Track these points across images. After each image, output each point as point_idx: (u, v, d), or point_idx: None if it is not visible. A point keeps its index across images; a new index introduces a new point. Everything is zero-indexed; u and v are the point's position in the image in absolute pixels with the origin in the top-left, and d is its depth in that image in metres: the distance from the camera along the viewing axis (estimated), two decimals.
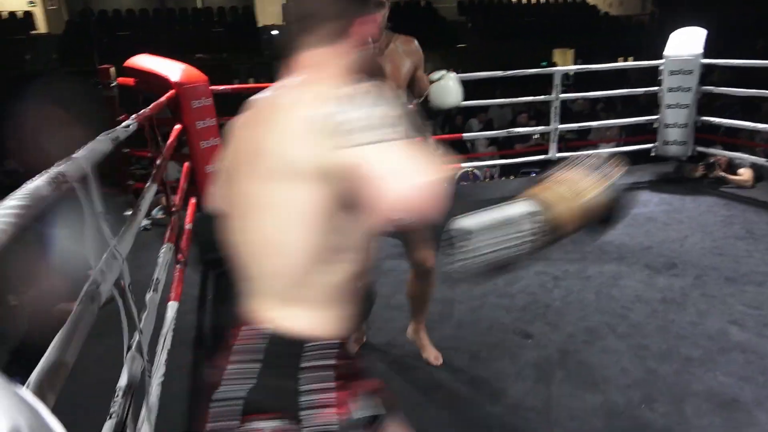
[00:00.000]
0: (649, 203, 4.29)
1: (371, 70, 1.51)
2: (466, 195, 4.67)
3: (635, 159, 5.35)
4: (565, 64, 16.03)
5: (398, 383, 2.23)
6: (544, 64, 16.95)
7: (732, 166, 4.75)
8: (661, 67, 5.02)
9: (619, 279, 3.08)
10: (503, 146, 7.33)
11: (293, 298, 0.92)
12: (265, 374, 0.90)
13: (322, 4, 0.96)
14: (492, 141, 7.61)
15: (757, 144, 5.16)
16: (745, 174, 4.63)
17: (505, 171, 6.39)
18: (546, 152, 5.15)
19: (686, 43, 4.92)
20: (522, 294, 2.95)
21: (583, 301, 2.85)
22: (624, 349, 2.42)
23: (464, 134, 6.36)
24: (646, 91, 5.25)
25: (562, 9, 19.96)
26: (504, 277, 3.15)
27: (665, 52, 4.96)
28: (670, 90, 4.98)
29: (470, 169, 5.91)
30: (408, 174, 0.76)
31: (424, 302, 2.32)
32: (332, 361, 0.91)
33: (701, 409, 2.03)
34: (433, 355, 2.37)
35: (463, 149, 7.84)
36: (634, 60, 13.04)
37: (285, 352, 0.91)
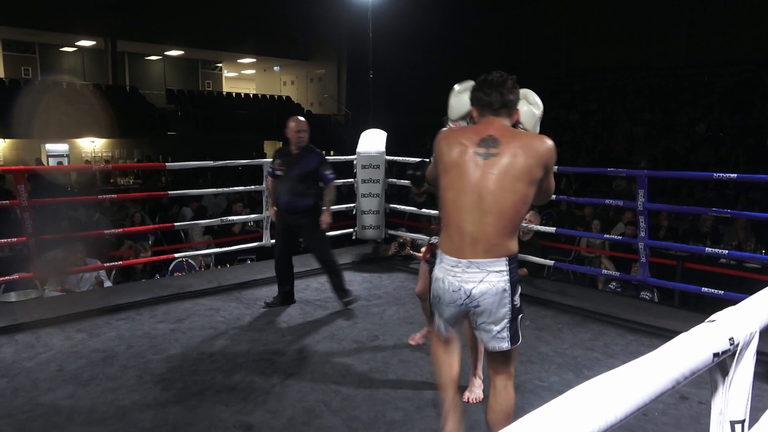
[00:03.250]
0: (354, 282, 4.74)
1: None
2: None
3: (340, 242, 5.88)
4: None
5: None
6: (256, 154, 17.67)
7: (416, 245, 5.59)
8: (354, 161, 5.75)
9: (331, 356, 3.29)
10: (218, 234, 7.30)
11: None
12: None
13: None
14: (207, 230, 7.52)
15: (432, 225, 6.20)
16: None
17: (220, 259, 6.34)
18: (261, 239, 5.32)
19: (372, 141, 5.76)
20: (242, 383, 2.92)
21: (299, 382, 2.96)
22: (338, 423, 2.56)
23: (176, 223, 6.15)
24: (344, 181, 5.91)
25: (270, 104, 21.38)
26: (221, 369, 3.08)
27: (357, 149, 5.71)
28: (364, 181, 5.71)
29: (184, 258, 5.71)
30: None
31: None
32: None
33: None
34: None
35: (176, 239, 7.55)
36: (335, 154, 14.59)
37: None
